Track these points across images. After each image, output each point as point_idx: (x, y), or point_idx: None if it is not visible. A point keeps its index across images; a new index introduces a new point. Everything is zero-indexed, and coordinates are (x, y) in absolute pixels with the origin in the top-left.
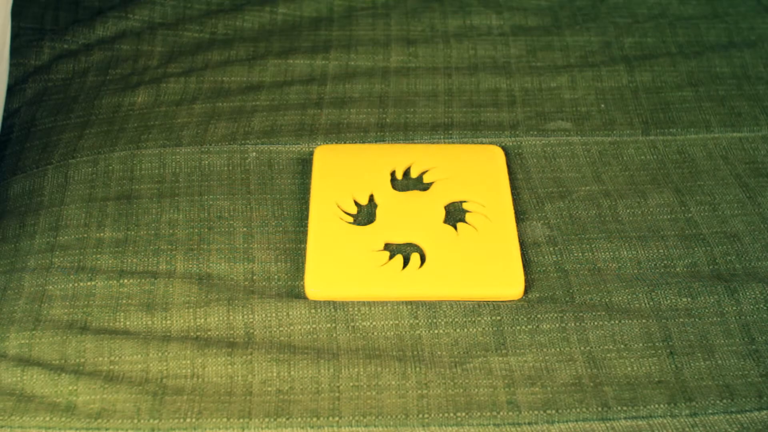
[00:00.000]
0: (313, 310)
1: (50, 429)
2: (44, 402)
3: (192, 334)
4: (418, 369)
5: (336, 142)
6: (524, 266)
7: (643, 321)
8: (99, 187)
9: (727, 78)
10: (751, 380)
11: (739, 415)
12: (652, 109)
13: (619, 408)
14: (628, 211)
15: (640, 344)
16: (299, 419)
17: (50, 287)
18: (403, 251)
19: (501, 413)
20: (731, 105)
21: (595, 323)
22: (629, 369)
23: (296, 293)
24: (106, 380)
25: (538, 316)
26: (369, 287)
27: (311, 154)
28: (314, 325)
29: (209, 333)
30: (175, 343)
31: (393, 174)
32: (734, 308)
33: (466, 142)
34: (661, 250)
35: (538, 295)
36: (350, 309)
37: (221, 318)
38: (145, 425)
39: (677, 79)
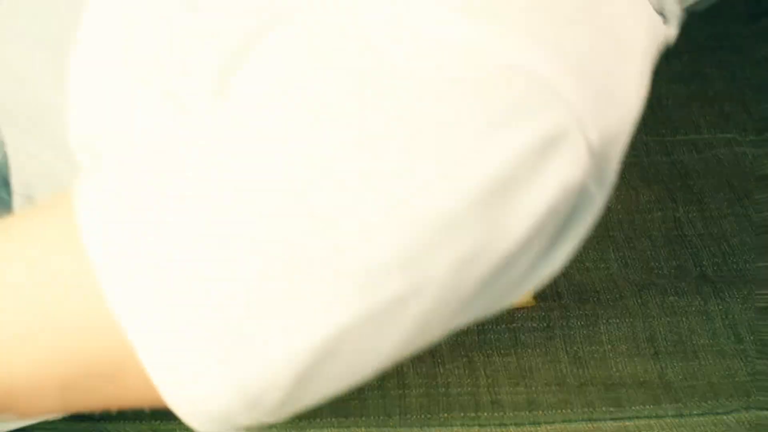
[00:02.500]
0: None
1: (54, 430)
2: None
3: None
4: (399, 369)
5: None
6: None
7: (630, 321)
8: None
9: (716, 80)
10: (738, 380)
11: (724, 416)
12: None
13: (604, 409)
14: (615, 212)
15: (626, 345)
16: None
17: None
18: None
19: (485, 413)
20: (720, 107)
21: (581, 323)
22: (614, 370)
23: None
24: None
25: (523, 315)
26: None
27: None
28: None
29: None
30: None
31: None
32: (720, 308)
33: None
34: (649, 251)
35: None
36: None
37: None
38: (147, 426)
39: (668, 80)
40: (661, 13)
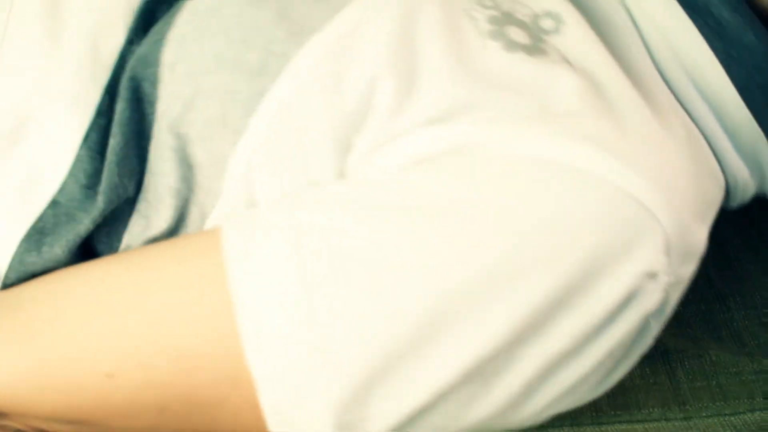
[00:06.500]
0: None
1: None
2: None
3: None
4: None
5: None
6: None
7: None
8: None
9: None
10: (744, 378)
11: (732, 417)
12: None
13: (612, 412)
14: None
15: None
16: None
17: None
18: None
19: None
20: None
21: None
22: None
23: None
24: None
25: None
26: None
27: None
28: None
29: None
30: None
31: None
32: (725, 315)
33: None
34: None
35: None
36: None
37: None
38: None
39: None
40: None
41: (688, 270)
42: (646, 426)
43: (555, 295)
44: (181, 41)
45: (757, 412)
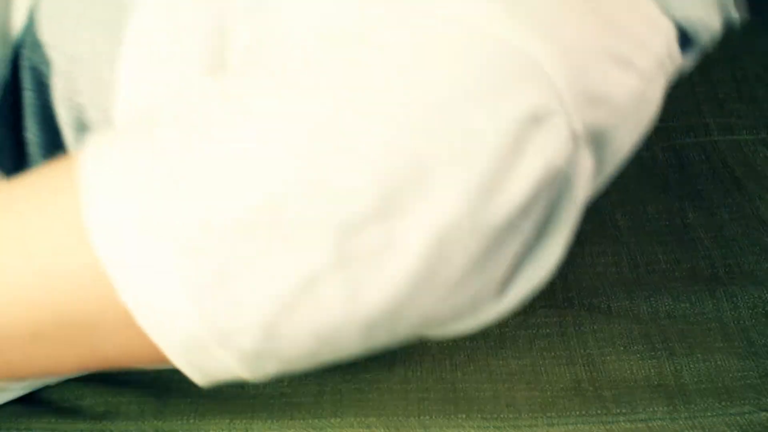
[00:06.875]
0: None
1: (54, 430)
2: (51, 406)
3: None
4: (418, 374)
5: None
6: None
7: (642, 326)
8: None
9: (728, 81)
10: (750, 382)
11: (738, 417)
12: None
13: (618, 410)
14: (626, 216)
15: (640, 347)
16: (301, 421)
17: None
18: None
19: (502, 415)
20: (730, 109)
21: (594, 327)
22: (628, 372)
23: None
24: (112, 384)
25: (538, 320)
26: None
27: None
28: None
29: None
30: None
31: None
32: (733, 313)
33: None
34: (660, 255)
35: (538, 300)
36: None
37: None
38: (149, 426)
39: (675, 82)
40: (685, 34)
41: (599, 117)
42: (651, 425)
43: (415, 147)
44: (48, 17)
45: (764, 413)
